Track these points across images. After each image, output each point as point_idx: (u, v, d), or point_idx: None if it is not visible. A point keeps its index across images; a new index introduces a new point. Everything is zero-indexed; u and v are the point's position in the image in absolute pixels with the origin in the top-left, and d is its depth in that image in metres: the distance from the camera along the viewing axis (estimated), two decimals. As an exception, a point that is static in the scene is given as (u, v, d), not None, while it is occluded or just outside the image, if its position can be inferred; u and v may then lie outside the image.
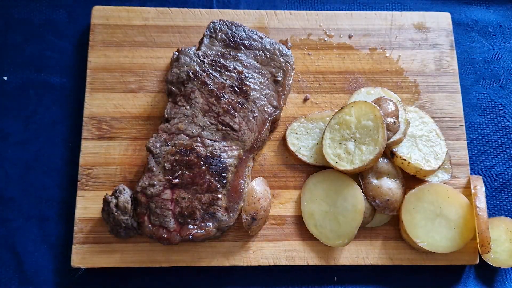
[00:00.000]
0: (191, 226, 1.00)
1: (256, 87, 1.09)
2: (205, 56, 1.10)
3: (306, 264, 1.07)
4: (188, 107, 1.06)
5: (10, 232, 1.11)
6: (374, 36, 1.25)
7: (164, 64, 1.20)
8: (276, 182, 1.13)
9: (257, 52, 1.12)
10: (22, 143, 1.17)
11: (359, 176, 1.08)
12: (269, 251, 1.06)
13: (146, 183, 1.01)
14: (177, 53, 1.13)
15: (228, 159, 1.03)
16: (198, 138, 1.04)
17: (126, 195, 1.02)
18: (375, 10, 1.32)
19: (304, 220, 1.08)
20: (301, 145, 1.14)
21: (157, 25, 1.23)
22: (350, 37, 1.25)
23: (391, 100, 1.10)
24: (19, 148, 1.16)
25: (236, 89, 1.08)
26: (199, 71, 1.08)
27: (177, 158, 1.02)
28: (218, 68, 1.09)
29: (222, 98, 1.06)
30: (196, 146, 1.03)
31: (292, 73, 1.14)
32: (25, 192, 1.13)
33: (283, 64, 1.12)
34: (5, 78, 1.21)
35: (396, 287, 1.10)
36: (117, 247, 1.06)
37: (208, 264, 1.06)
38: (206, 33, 1.13)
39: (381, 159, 1.08)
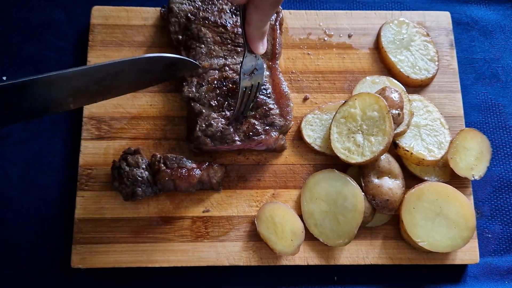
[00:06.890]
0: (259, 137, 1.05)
1: None
2: None
3: (306, 264, 1.07)
4: (202, 46, 1.11)
5: (10, 232, 1.11)
6: (373, 35, 1.25)
7: (164, 64, 1.20)
8: (276, 182, 1.13)
9: None
10: (22, 143, 1.17)
11: (360, 174, 1.08)
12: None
13: (204, 125, 1.05)
14: (164, 9, 1.19)
15: None
16: (226, 67, 1.09)
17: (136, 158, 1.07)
18: (374, 10, 1.32)
19: (304, 220, 1.08)
20: (317, 136, 1.14)
21: (156, 25, 1.23)
22: (349, 36, 1.25)
23: (396, 90, 1.10)
24: (19, 148, 1.16)
25: (236, 12, 1.14)
26: (195, 10, 1.14)
27: (217, 92, 1.07)
28: (209, 1, 1.15)
29: (227, 24, 1.12)
30: (228, 74, 1.08)
31: None
32: (25, 192, 1.13)
33: None
34: (4, 78, 1.21)
35: (396, 287, 1.10)
36: (117, 247, 1.06)
37: (208, 264, 1.06)
38: None
39: (382, 158, 1.08)
